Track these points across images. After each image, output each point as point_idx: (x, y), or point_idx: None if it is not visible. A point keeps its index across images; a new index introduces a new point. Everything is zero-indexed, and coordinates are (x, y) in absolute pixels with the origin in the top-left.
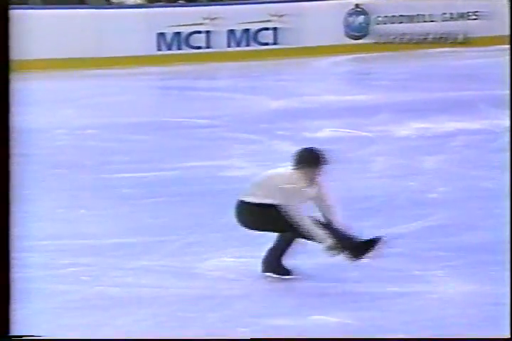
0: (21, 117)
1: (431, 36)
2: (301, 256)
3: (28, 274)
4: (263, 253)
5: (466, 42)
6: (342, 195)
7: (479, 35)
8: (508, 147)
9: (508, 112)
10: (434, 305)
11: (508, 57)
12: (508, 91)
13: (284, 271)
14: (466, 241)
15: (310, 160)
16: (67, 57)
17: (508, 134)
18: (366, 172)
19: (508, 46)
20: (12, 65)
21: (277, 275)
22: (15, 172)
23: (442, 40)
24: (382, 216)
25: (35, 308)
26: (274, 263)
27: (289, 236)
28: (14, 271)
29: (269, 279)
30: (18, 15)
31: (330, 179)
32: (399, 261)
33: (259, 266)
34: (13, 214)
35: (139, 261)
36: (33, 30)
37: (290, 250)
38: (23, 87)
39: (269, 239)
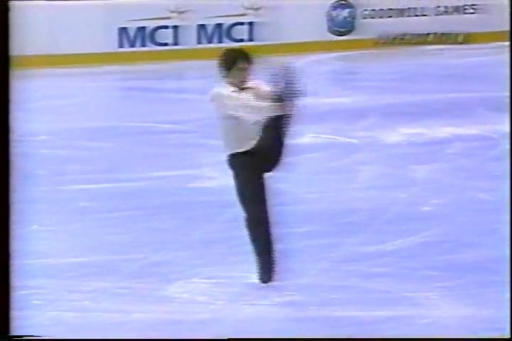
0: None
1: (423, 32)
2: (281, 277)
3: None
4: (236, 273)
5: (464, 39)
6: (324, 208)
7: (477, 31)
8: (508, 155)
9: (508, 116)
10: (426, 330)
11: (508, 55)
12: (508, 93)
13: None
14: (462, 260)
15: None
16: (16, 54)
17: (508, 141)
18: (351, 183)
19: (508, 43)
20: None
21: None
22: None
23: (436, 37)
24: (369, 231)
25: None
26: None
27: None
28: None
29: (243, 302)
30: None
31: (312, 190)
32: (387, 281)
33: (233, 287)
34: None
35: (98, 282)
36: None
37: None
38: None
39: (244, 257)
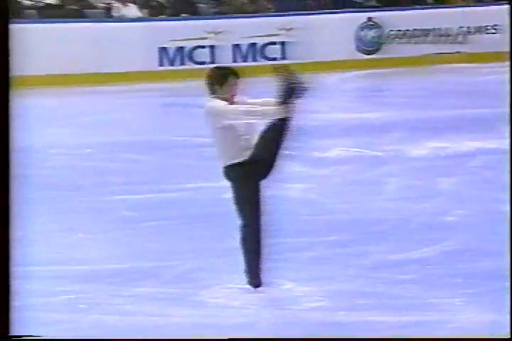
0: (16, 136)
1: (446, 51)
2: (312, 283)
3: (22, 302)
4: (269, 279)
5: (484, 56)
6: (352, 218)
7: (499, 50)
8: None
9: None
10: (451, 335)
11: None
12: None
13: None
14: (485, 268)
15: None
16: (65, 73)
17: None
18: (378, 195)
19: None
20: (10, 82)
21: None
22: (11, 195)
23: (458, 55)
24: (395, 240)
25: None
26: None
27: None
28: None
29: (275, 307)
30: (15, 29)
31: (341, 201)
32: (413, 288)
33: (266, 292)
34: (11, 238)
35: (139, 287)
36: (30, 46)
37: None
38: (18, 104)
39: (276, 264)
